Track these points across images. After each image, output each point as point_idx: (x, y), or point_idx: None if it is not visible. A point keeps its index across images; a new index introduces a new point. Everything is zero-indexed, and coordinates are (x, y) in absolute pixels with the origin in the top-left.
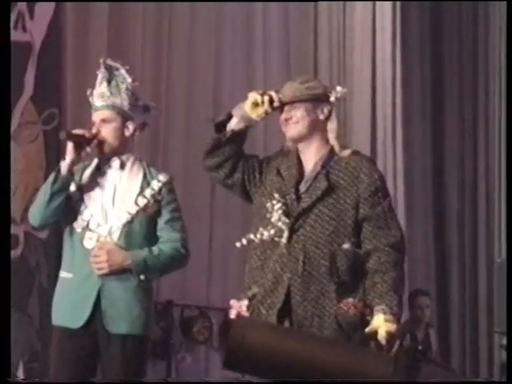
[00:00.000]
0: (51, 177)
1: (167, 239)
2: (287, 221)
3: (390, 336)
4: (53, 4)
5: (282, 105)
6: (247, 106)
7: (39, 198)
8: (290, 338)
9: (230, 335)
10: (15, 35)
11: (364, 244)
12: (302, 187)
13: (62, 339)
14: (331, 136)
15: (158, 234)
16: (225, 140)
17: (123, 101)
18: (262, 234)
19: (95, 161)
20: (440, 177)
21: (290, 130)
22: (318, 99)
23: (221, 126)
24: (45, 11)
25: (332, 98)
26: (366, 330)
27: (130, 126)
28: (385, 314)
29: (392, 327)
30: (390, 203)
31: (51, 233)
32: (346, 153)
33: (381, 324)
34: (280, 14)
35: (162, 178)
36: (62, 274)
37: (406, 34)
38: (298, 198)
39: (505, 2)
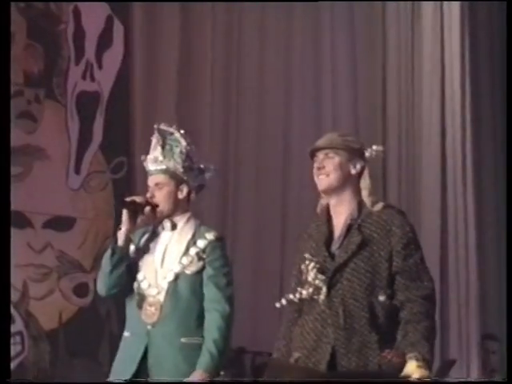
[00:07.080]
0: (109, 250)
1: (209, 301)
2: (323, 277)
3: (423, 382)
4: (121, 53)
5: (317, 150)
6: None
7: (102, 270)
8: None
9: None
10: (84, 85)
11: (397, 295)
12: (336, 243)
13: None
14: (364, 193)
15: (204, 291)
16: None
17: (176, 164)
18: (301, 294)
19: (152, 226)
20: None
21: (321, 181)
22: (352, 152)
23: None
24: (113, 61)
25: (367, 154)
26: (400, 375)
27: (184, 189)
28: (417, 360)
29: (425, 373)
30: (421, 255)
31: None
32: (378, 207)
33: (414, 370)
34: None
35: (209, 236)
36: (124, 332)
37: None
38: (332, 254)
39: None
